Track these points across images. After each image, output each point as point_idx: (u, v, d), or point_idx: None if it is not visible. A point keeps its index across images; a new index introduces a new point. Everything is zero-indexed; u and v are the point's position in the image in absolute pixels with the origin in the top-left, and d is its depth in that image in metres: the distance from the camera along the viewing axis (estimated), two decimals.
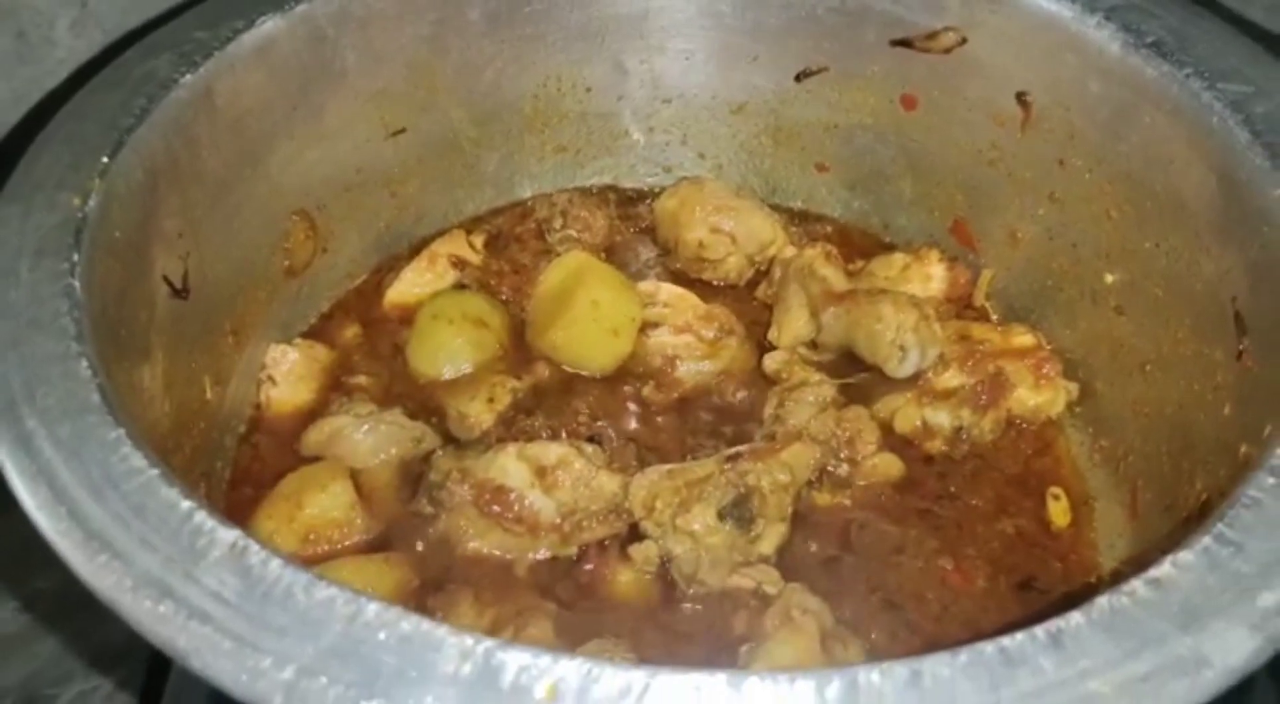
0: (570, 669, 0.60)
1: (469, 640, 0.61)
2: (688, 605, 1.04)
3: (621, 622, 1.04)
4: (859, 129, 1.31)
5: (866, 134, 1.31)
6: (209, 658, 0.62)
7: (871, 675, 0.59)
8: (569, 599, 1.05)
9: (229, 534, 0.67)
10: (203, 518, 0.68)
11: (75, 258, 0.83)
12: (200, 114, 1.02)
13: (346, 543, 1.07)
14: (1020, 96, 1.15)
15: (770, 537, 1.07)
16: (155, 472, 0.70)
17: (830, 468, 1.13)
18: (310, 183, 1.19)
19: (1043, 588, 1.08)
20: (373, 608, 0.63)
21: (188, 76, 1.00)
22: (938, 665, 0.60)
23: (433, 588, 1.04)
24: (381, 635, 0.62)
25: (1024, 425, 1.19)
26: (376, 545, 1.07)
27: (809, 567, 1.08)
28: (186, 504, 0.69)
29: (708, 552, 1.05)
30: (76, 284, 0.82)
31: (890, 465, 1.15)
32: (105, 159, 0.91)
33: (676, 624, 1.04)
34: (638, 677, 0.60)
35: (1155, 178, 1.03)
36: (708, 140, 1.40)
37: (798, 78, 1.31)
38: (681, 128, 1.40)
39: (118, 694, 1.27)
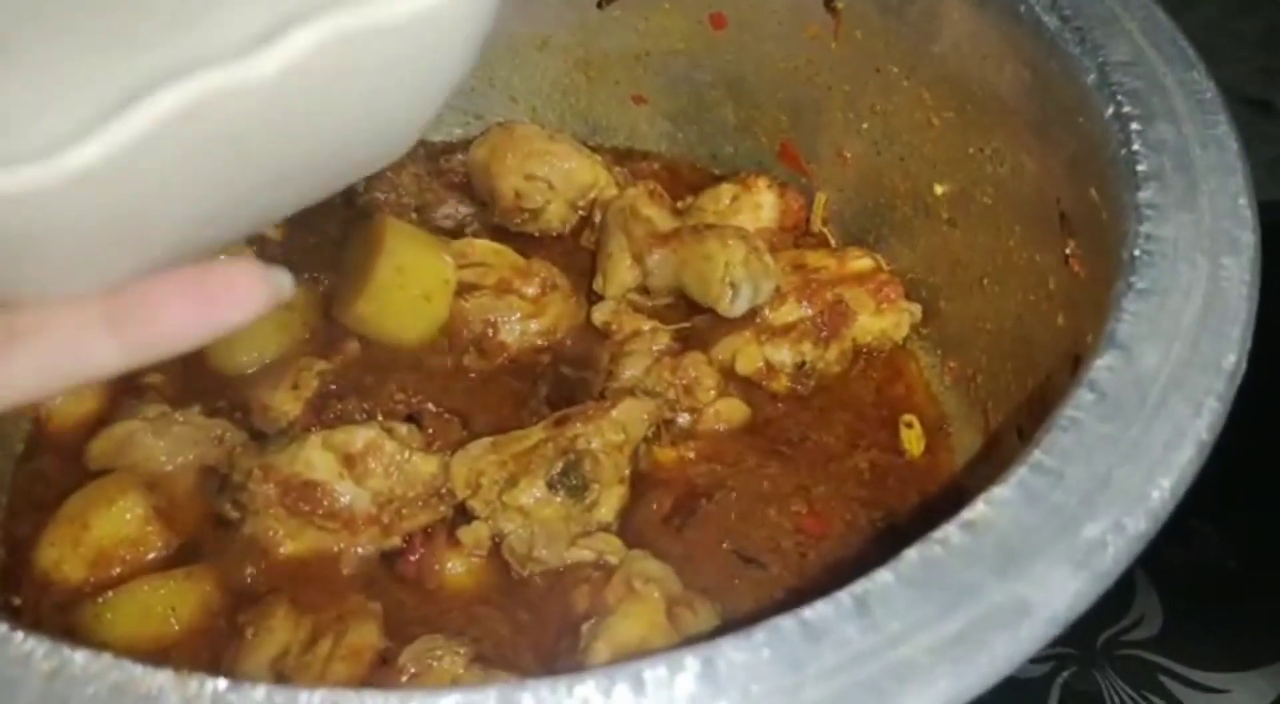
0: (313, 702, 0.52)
1: (193, 685, 0.53)
2: (527, 587, 0.97)
3: (457, 612, 0.96)
4: (671, 55, 1.22)
5: (680, 59, 1.22)
6: None
7: (658, 670, 0.52)
8: (397, 595, 0.96)
9: None
10: None
11: None
12: None
13: (145, 561, 0.97)
14: (828, 3, 1.07)
15: (609, 502, 0.99)
16: None
17: (671, 419, 1.06)
18: None
19: (902, 522, 1.03)
20: (78, 659, 0.54)
21: None
22: (732, 650, 0.52)
23: (247, 600, 0.95)
24: (90, 690, 0.53)
25: (872, 353, 1.12)
26: (181, 559, 0.97)
27: (655, 529, 1.01)
28: None
29: (541, 526, 0.97)
30: None
31: (734, 410, 1.08)
32: None
33: (516, 609, 0.96)
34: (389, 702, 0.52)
35: (971, 78, 0.96)
36: (516, 81, 1.30)
37: (600, 4, 1.21)
38: (485, 70, 1.29)
39: None
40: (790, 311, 1.10)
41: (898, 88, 1.05)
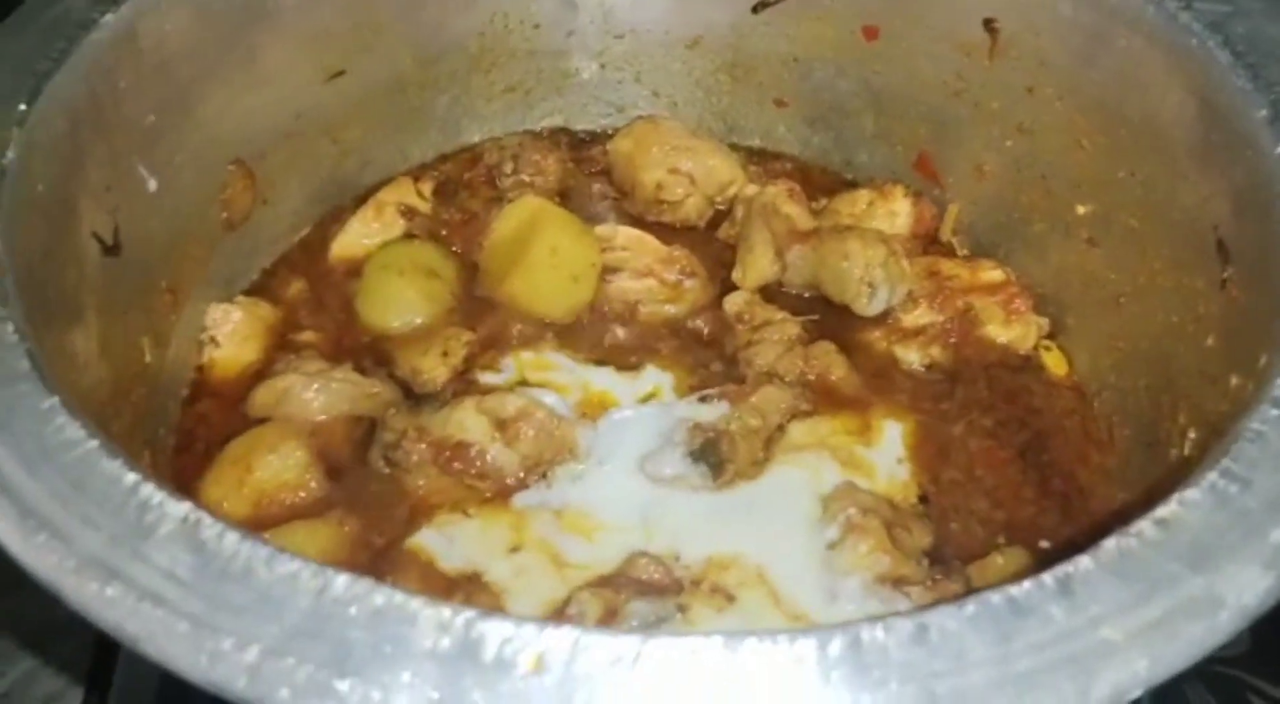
0: (557, 639, 0.56)
1: (446, 612, 0.57)
2: None
3: None
4: (819, 62, 1.27)
5: (827, 67, 1.27)
6: (163, 642, 0.57)
7: (875, 632, 0.56)
8: None
9: (179, 508, 0.62)
10: (150, 491, 0.63)
11: None
12: (124, 57, 0.95)
13: (300, 505, 1.02)
14: (988, 23, 1.11)
15: None
16: (94, 443, 0.65)
17: (809, 412, 1.09)
18: (247, 130, 1.12)
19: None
20: (341, 581, 0.59)
21: (108, 16, 0.93)
22: (944, 618, 0.57)
23: (389, 549, 1.00)
24: (352, 610, 0.58)
25: (999, 363, 1.16)
26: (331, 505, 1.02)
27: None
28: (131, 477, 0.63)
29: None
30: None
31: None
32: (23, 106, 0.85)
33: None
34: (629, 644, 0.56)
35: (1130, 104, 1.00)
36: (662, 77, 1.35)
37: (755, 9, 1.26)
38: (634, 65, 1.34)
39: (68, 668, 1.22)
40: (922, 315, 1.14)
41: (1049, 109, 1.09)
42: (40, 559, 0.61)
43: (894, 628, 0.56)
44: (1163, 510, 0.61)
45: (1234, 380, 0.80)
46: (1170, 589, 0.58)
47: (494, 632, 0.57)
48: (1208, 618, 0.57)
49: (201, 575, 0.59)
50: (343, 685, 0.55)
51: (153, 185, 1.00)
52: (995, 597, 0.57)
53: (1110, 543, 0.60)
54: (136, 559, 0.60)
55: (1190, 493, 0.62)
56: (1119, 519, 0.62)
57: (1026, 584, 0.58)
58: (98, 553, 0.60)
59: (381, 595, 0.58)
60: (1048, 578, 0.58)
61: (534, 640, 0.56)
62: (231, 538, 0.61)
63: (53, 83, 0.87)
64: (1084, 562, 0.59)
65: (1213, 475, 0.62)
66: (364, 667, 0.56)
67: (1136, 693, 0.55)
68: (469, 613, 0.57)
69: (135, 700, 1.07)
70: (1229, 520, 0.61)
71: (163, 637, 0.57)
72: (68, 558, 0.60)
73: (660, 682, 0.55)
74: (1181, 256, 0.95)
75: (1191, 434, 0.88)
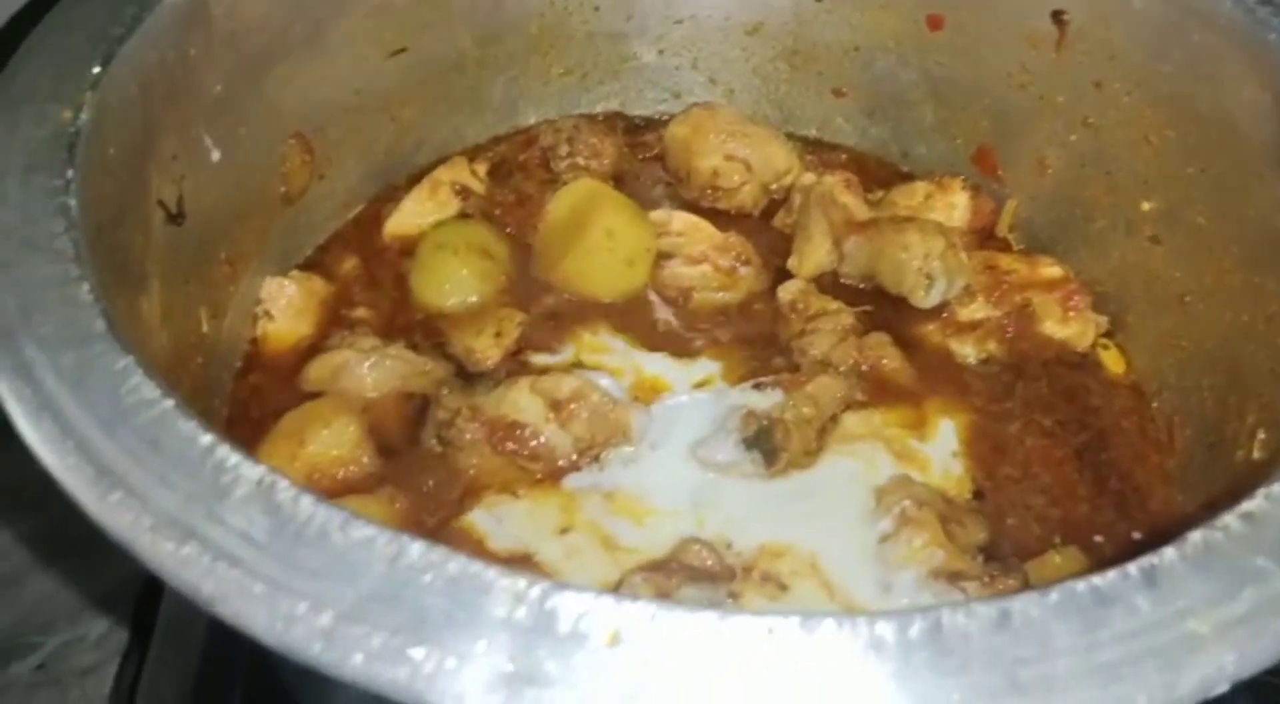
0: (633, 613, 0.56)
1: (522, 583, 0.57)
2: None
3: None
4: (880, 52, 1.26)
5: (888, 57, 1.26)
6: (239, 603, 0.57)
7: (957, 617, 0.55)
8: None
9: (255, 470, 0.62)
10: (225, 453, 0.63)
11: (69, 174, 0.77)
12: (195, 25, 0.95)
13: (352, 480, 1.02)
14: (1056, 15, 1.10)
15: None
16: (170, 403, 0.65)
17: (864, 403, 1.08)
18: (308, 104, 1.12)
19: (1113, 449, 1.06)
20: (416, 548, 0.58)
21: None
22: (1027, 605, 0.56)
23: (438, 527, 1.00)
24: (427, 578, 0.57)
25: (1055, 360, 1.15)
26: (382, 482, 1.02)
27: None
28: (207, 438, 0.63)
29: None
30: (72, 202, 0.75)
31: None
32: (96, 69, 0.84)
33: None
34: (706, 619, 0.56)
35: (1202, 100, 0.98)
36: (719, 64, 1.34)
37: None
38: (692, 50, 1.34)
39: (103, 643, 1.22)
40: (978, 309, 1.13)
41: (1117, 103, 1.08)
42: (116, 518, 0.60)
43: (976, 613, 0.56)
44: (1248, 504, 0.60)
45: None
46: (1258, 584, 0.57)
47: (569, 604, 0.56)
48: None
49: (277, 538, 0.59)
50: (417, 653, 0.55)
51: (216, 156, 1.00)
52: (1080, 585, 0.56)
53: (1196, 536, 0.59)
54: (212, 520, 0.60)
55: (1277, 487, 0.61)
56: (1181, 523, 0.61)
57: (1111, 574, 0.57)
58: (173, 512, 0.60)
59: (456, 564, 0.58)
60: (1132, 568, 0.57)
61: (610, 614, 0.56)
62: (307, 502, 0.60)
63: (125, 48, 0.87)
64: (1169, 554, 0.58)
65: None
66: (439, 634, 0.55)
67: (1223, 688, 0.54)
68: (544, 584, 0.57)
69: (169, 679, 1.08)
70: None
71: (238, 598, 0.57)
72: (143, 517, 0.60)
73: (736, 659, 0.55)
74: (1252, 255, 0.94)
75: (1261, 435, 0.87)
